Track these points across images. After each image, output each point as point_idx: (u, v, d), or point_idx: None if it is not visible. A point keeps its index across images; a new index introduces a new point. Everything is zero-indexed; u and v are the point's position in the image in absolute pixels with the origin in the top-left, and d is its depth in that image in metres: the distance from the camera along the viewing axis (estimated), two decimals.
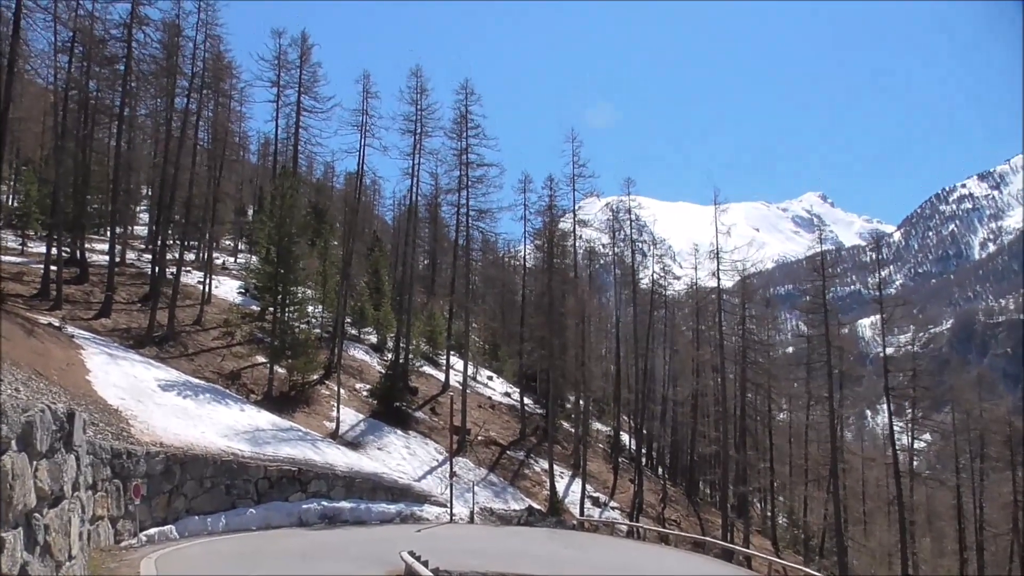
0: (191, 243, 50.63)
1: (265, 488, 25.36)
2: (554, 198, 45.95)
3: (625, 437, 57.42)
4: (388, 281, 53.20)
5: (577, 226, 48.59)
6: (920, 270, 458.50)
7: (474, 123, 43.07)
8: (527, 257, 56.16)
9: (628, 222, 50.88)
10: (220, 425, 26.76)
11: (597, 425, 58.65)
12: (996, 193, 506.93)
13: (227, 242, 60.50)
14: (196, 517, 22.52)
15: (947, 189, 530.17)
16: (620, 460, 49.48)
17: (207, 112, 45.23)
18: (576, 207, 47.49)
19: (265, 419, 29.81)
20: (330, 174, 74.63)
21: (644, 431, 54.39)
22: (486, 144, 43.50)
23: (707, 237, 49.66)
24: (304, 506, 26.09)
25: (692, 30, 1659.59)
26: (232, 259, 54.56)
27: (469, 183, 43.62)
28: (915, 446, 52.88)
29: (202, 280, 41.14)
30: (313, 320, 40.58)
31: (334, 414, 33.63)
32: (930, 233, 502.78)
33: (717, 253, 44.98)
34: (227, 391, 31.47)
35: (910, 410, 48.28)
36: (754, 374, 50.73)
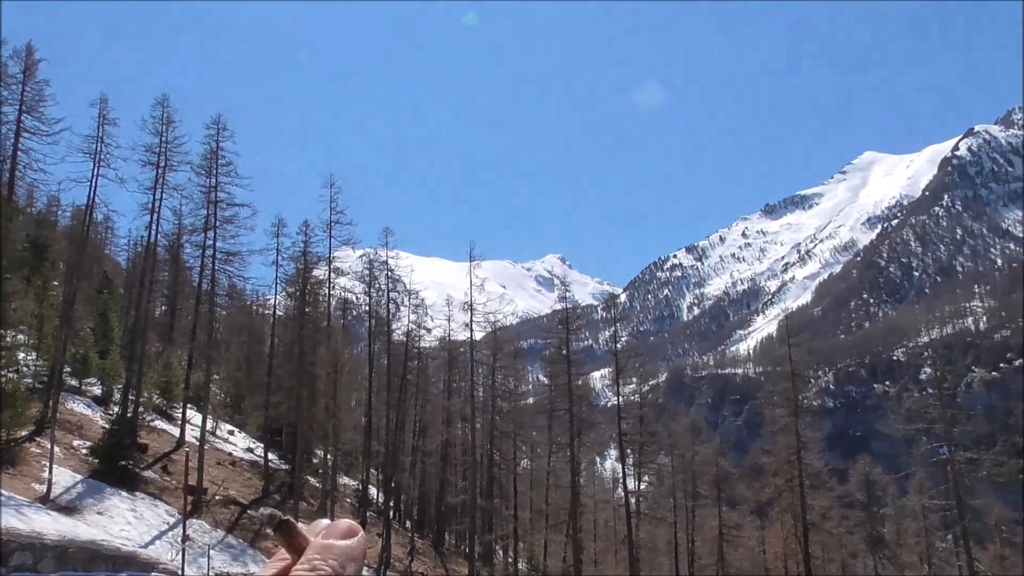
0: None
1: None
2: (309, 244, 44.84)
3: (374, 490, 56.52)
4: (119, 327, 48.13)
5: (332, 274, 47.69)
6: (642, 328, 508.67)
7: (226, 160, 41.04)
8: (278, 304, 53.90)
9: (384, 273, 50.95)
10: None
11: (345, 479, 57.12)
12: (699, 264, 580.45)
13: None
14: None
15: (662, 258, 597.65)
16: (368, 514, 48.51)
17: None
18: (332, 255, 46.71)
19: None
20: (55, 206, 66.29)
21: (393, 483, 53.89)
22: (238, 183, 41.52)
23: (459, 292, 51.28)
24: None
25: (447, 83, 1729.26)
26: None
27: (217, 223, 41.20)
28: (640, 487, 57.80)
29: None
30: (25, 368, 35.51)
31: (46, 475, 29.49)
32: (649, 296, 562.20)
33: (471, 305, 46.57)
34: None
35: (636, 455, 52.82)
36: (502, 423, 52.70)
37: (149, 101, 40.60)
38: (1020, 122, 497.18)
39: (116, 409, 40.44)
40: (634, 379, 55.98)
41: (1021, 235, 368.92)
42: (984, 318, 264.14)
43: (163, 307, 55.94)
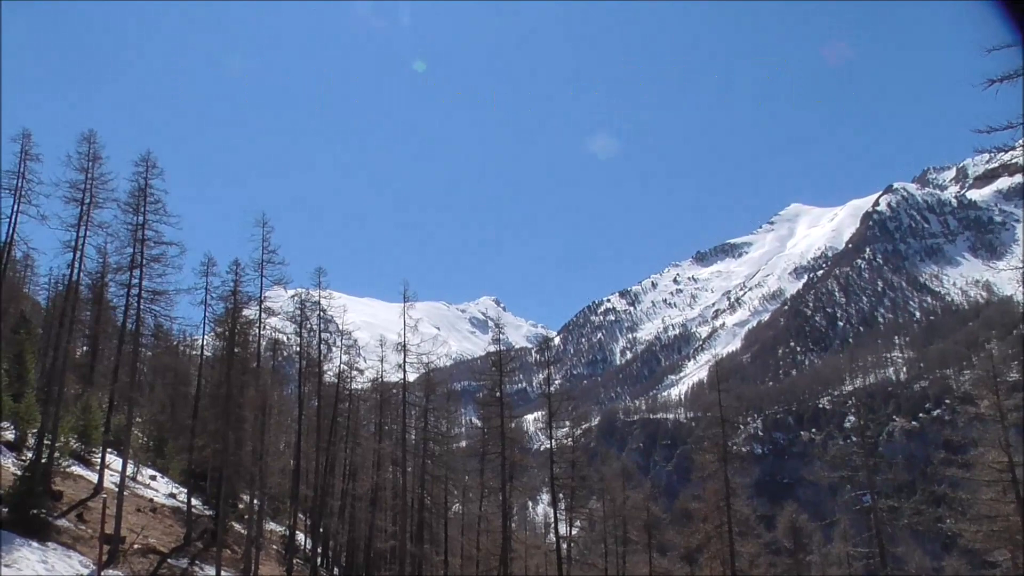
0: None
1: None
2: (239, 283, 43.85)
3: (301, 536, 55.01)
4: (35, 369, 46.11)
5: (263, 314, 46.78)
6: (575, 372, 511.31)
7: (154, 198, 40.18)
8: (206, 345, 52.51)
9: (317, 313, 50.30)
10: None
11: (272, 525, 55.46)
12: (632, 308, 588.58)
13: None
14: None
15: (596, 302, 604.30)
16: (295, 561, 47.12)
17: None
18: (263, 295, 45.85)
19: None
20: None
21: (321, 529, 52.56)
22: (167, 221, 40.57)
23: (393, 332, 50.96)
24: None
25: (383, 123, 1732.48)
26: None
27: (144, 262, 40.19)
28: (572, 532, 57.74)
29: None
30: None
31: None
32: (583, 340, 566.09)
33: (404, 346, 46.29)
34: None
35: (568, 499, 52.89)
36: (433, 466, 52.16)
37: (75, 137, 39.35)
38: (934, 181, 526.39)
39: (30, 455, 38.60)
40: (567, 422, 56.25)
41: (937, 289, 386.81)
42: (904, 369, 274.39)
43: (84, 347, 53.92)
